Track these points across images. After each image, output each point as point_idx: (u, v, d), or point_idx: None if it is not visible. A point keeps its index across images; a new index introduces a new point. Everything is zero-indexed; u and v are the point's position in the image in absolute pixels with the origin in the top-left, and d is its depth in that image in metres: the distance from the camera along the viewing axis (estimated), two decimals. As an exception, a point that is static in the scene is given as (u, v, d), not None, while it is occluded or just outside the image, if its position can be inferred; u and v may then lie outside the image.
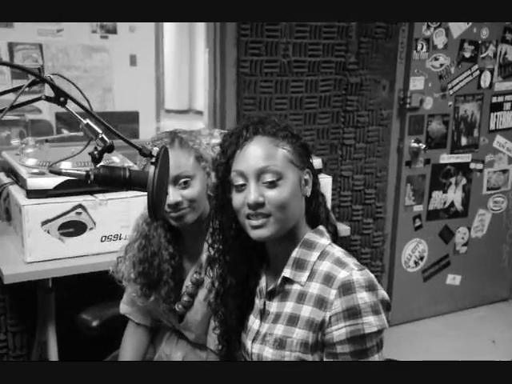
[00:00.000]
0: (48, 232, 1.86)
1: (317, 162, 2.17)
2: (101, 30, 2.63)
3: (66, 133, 2.46)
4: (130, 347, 1.64)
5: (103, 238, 1.95)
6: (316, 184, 1.27)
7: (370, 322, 1.11)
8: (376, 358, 1.13)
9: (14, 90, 1.19)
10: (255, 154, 1.18)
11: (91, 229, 1.92)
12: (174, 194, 1.41)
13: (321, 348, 1.16)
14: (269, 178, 1.17)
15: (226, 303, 1.32)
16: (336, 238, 1.30)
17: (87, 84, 2.72)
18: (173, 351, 1.63)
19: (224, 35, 2.61)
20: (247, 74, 2.63)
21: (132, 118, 2.83)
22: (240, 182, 1.19)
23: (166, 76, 3.51)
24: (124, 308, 1.66)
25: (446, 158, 3.25)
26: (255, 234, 1.18)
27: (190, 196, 1.42)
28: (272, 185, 1.17)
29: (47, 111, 2.67)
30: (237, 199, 1.20)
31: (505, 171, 3.45)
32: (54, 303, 2.03)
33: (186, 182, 1.43)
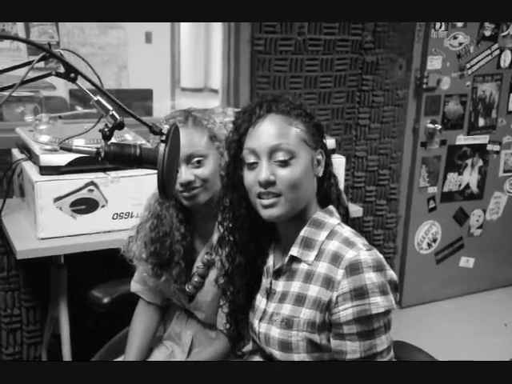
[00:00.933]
0: (60, 209, 1.86)
1: (330, 143, 2.15)
2: None
3: (79, 109, 2.46)
4: (141, 325, 1.63)
5: (115, 216, 1.95)
6: (329, 165, 1.25)
7: (378, 303, 1.10)
8: (383, 338, 1.12)
9: (25, 65, 1.18)
10: (268, 131, 1.16)
11: (103, 206, 1.92)
12: (186, 173, 1.39)
13: (328, 328, 1.15)
14: (281, 156, 1.15)
15: (234, 282, 1.32)
16: (347, 219, 1.28)
17: (102, 61, 2.69)
18: (183, 330, 1.63)
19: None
20: (261, 52, 2.60)
21: (146, 95, 2.81)
22: (252, 159, 1.17)
23: (182, 54, 3.46)
24: (135, 286, 1.66)
25: (462, 140, 3.20)
26: (266, 213, 1.17)
27: (202, 175, 1.41)
28: (284, 164, 1.15)
29: (62, 88, 2.67)
30: (248, 177, 1.18)
31: (522, 154, 3.40)
32: (66, 279, 2.04)
33: (199, 162, 1.41)
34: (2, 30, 2.37)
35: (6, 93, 1.09)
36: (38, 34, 2.47)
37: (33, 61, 1.12)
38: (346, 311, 1.11)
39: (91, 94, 1.15)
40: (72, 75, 1.14)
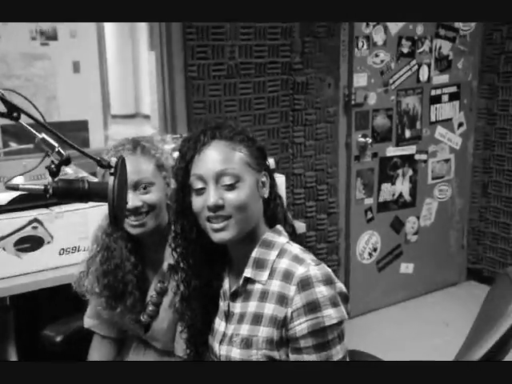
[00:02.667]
0: (3, 249, 1.82)
1: (270, 162, 2.21)
2: (40, 36, 2.57)
3: (14, 146, 2.40)
4: (97, 360, 1.62)
5: (61, 251, 1.93)
6: (273, 186, 1.30)
7: (330, 315, 1.14)
8: (338, 348, 1.16)
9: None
10: (213, 157, 1.20)
11: (48, 242, 1.90)
12: (133, 199, 1.41)
13: (286, 344, 1.18)
14: (227, 180, 1.19)
15: (192, 306, 1.34)
16: (294, 237, 1.32)
17: (30, 93, 2.64)
18: (141, 360, 1.62)
19: (170, 39, 2.62)
20: (195, 78, 2.65)
21: (81, 126, 2.78)
22: (199, 185, 1.21)
23: (110, 80, 3.45)
24: (88, 322, 1.64)
25: (392, 151, 3.36)
26: (216, 236, 1.20)
27: (150, 201, 1.43)
28: (231, 187, 1.19)
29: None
30: (197, 202, 1.21)
31: (447, 160, 3.60)
32: (13, 321, 1.99)
33: (145, 188, 1.43)
34: None
35: None
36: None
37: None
38: (300, 326, 1.14)
39: (36, 132, 1.15)
40: (15, 114, 1.14)
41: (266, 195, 1.26)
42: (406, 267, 3.56)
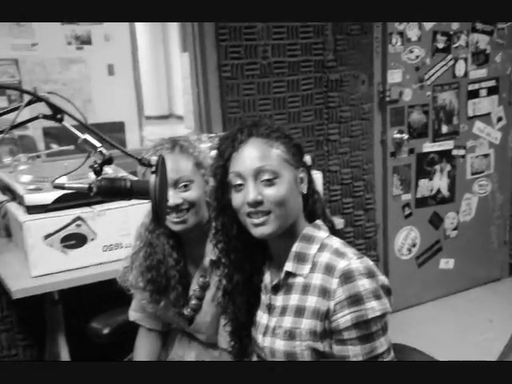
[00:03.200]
0: (51, 246, 1.88)
1: (307, 159, 2.23)
2: (76, 41, 2.64)
3: (55, 147, 2.48)
4: (144, 352, 1.67)
5: (105, 248, 1.98)
6: (311, 181, 1.33)
7: (373, 307, 1.15)
8: (382, 341, 1.17)
9: (12, 111, 1.23)
10: (251, 155, 1.24)
11: (92, 239, 1.95)
12: (174, 197, 1.45)
13: (329, 335, 1.20)
14: (266, 176, 1.22)
15: (235, 300, 1.37)
16: (334, 232, 1.34)
17: (66, 97, 2.70)
18: (186, 352, 1.66)
19: (203, 40, 2.67)
20: (229, 78, 2.69)
21: (118, 127, 2.85)
22: (238, 182, 1.24)
23: (143, 82, 3.50)
24: (134, 315, 1.69)
25: (428, 147, 3.34)
26: (257, 231, 1.23)
27: (190, 198, 1.47)
28: (269, 183, 1.22)
29: (34, 127, 2.67)
30: (236, 199, 1.25)
31: (486, 155, 3.55)
32: (62, 315, 2.06)
33: (185, 186, 1.47)
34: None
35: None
36: (-1, 74, 2.48)
37: (20, 106, 1.18)
38: (344, 318, 1.16)
39: (79, 133, 1.20)
40: (59, 116, 1.20)
41: (305, 191, 1.29)
42: (446, 263, 3.53)
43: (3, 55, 2.45)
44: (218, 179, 1.29)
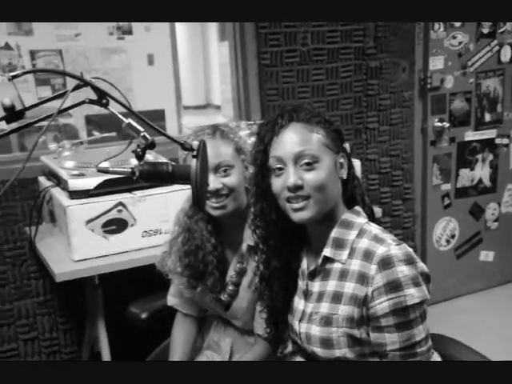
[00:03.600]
0: (92, 230, 1.92)
1: (347, 146, 2.21)
2: (117, 31, 2.66)
3: (97, 134, 2.52)
4: (180, 337, 1.67)
5: (144, 234, 2.00)
6: (351, 167, 1.31)
7: (412, 294, 1.14)
8: (420, 328, 1.16)
9: (58, 97, 1.25)
10: (291, 139, 1.23)
11: (132, 225, 1.98)
12: (214, 182, 1.45)
13: (366, 322, 1.19)
14: (306, 160, 1.21)
15: (272, 286, 1.36)
16: (373, 219, 1.33)
17: (108, 86, 2.75)
18: (221, 338, 1.67)
19: (243, 28, 2.66)
20: (269, 66, 2.68)
21: (159, 115, 2.88)
22: (278, 166, 1.24)
23: (182, 72, 3.52)
24: (171, 300, 1.70)
25: (470, 135, 3.26)
26: (297, 216, 1.23)
27: (229, 184, 1.47)
28: (309, 167, 1.21)
29: (76, 116, 2.73)
30: (276, 183, 1.25)
31: (531, 144, 3.45)
32: (101, 299, 2.09)
33: (225, 171, 1.47)
34: (9, 64, 2.44)
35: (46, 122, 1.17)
36: (44, 64, 2.52)
37: (67, 91, 1.19)
38: (382, 304, 1.15)
39: (123, 118, 1.21)
40: (104, 101, 1.21)
41: (345, 176, 1.28)
42: (486, 255, 3.46)
43: (48, 46, 2.50)
44: (258, 164, 1.29)
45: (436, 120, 3.14)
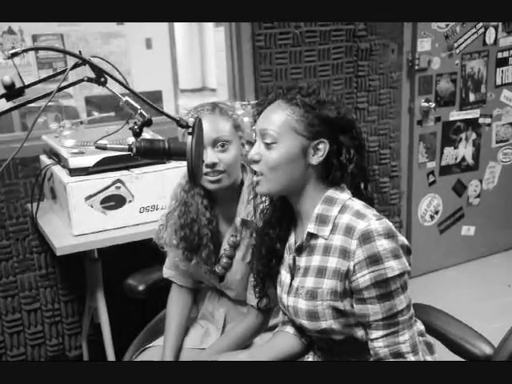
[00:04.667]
0: (91, 206, 1.90)
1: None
2: None
3: (96, 115, 2.49)
4: (176, 308, 1.66)
5: (141, 210, 1.98)
6: (351, 159, 1.22)
7: (392, 267, 1.13)
8: (402, 298, 1.15)
9: (58, 74, 1.21)
10: (264, 116, 1.23)
11: (130, 201, 1.96)
12: (211, 156, 1.43)
13: (349, 295, 1.19)
14: (267, 139, 1.20)
15: (260, 251, 1.36)
16: (372, 205, 1.28)
17: (107, 69, 2.71)
18: (215, 308, 1.67)
19: (238, 11, 2.60)
20: (262, 48, 2.63)
21: (156, 97, 2.84)
22: (254, 138, 1.25)
23: (179, 57, 3.48)
24: (167, 272, 1.69)
25: (455, 115, 3.23)
26: (255, 189, 1.26)
27: (226, 159, 1.45)
28: (268, 146, 1.20)
29: (76, 98, 2.70)
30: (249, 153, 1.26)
31: (512, 124, 3.43)
32: (101, 271, 2.08)
33: (223, 146, 1.45)
34: (12, 48, 2.40)
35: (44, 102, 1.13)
36: (46, 48, 2.51)
37: (66, 69, 1.16)
38: (363, 277, 1.14)
39: (120, 96, 1.18)
40: (102, 79, 1.17)
41: (315, 162, 1.21)
42: (468, 229, 3.46)
43: (50, 30, 2.49)
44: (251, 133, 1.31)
45: (423, 100, 3.10)
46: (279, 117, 1.20)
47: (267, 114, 1.22)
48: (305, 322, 1.24)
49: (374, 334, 1.17)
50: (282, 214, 1.33)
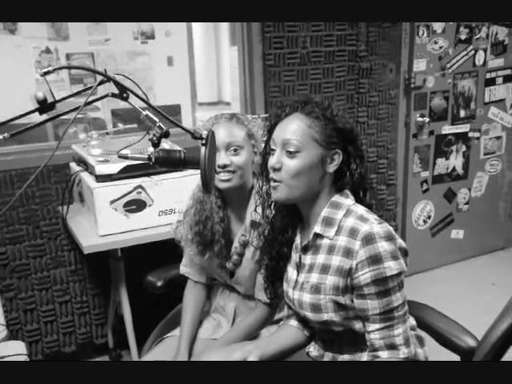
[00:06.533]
0: (115, 209, 1.89)
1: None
2: (141, 36, 2.63)
3: (121, 126, 2.48)
4: (191, 302, 1.65)
5: (160, 213, 1.97)
6: (357, 168, 1.22)
7: (390, 266, 1.12)
8: (398, 295, 1.15)
9: (85, 90, 1.20)
10: (285, 127, 1.20)
11: (150, 205, 1.95)
12: (224, 158, 1.43)
13: (350, 291, 1.18)
14: (289, 148, 1.18)
15: (270, 250, 1.34)
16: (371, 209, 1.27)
17: (132, 85, 2.72)
18: (226, 303, 1.65)
19: (250, 33, 2.58)
20: (272, 66, 2.60)
21: (176, 110, 2.83)
22: (272, 147, 1.22)
23: (197, 73, 3.51)
24: (183, 269, 1.68)
25: (447, 129, 3.18)
26: (272, 195, 1.22)
27: (237, 162, 1.44)
28: (291, 155, 1.18)
29: (104, 111, 2.70)
30: (268, 161, 1.22)
31: (499, 137, 3.37)
32: (123, 269, 2.07)
33: (235, 150, 1.44)
34: (48, 65, 2.41)
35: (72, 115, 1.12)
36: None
37: (92, 86, 1.14)
38: (364, 275, 1.13)
39: (141, 110, 1.17)
40: (125, 95, 1.16)
41: (331, 170, 1.20)
42: (457, 233, 3.40)
43: (82, 50, 2.48)
44: (264, 141, 1.27)
45: (418, 115, 3.05)
46: (301, 128, 1.18)
47: (287, 125, 1.20)
48: (308, 314, 1.24)
49: (371, 326, 1.16)
50: (288, 220, 1.31)
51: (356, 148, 1.23)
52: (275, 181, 1.19)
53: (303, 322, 1.34)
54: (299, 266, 1.28)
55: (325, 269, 1.20)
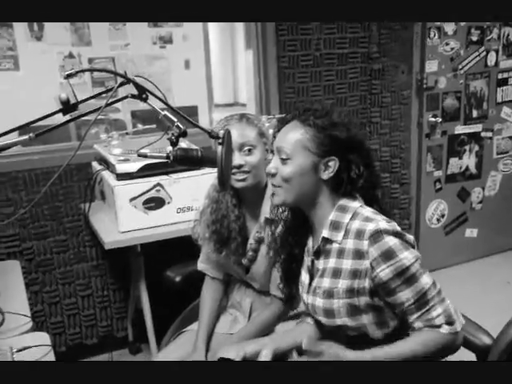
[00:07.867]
0: (135, 207, 1.90)
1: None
2: (159, 41, 2.65)
3: (140, 127, 2.51)
4: (209, 297, 1.66)
5: (178, 210, 1.98)
6: (361, 175, 1.19)
7: (407, 257, 1.10)
8: (425, 277, 1.11)
9: (105, 92, 1.21)
10: (282, 134, 1.21)
11: (168, 203, 1.96)
12: (238, 158, 1.44)
13: (367, 293, 1.14)
14: (282, 155, 1.19)
15: (285, 249, 1.34)
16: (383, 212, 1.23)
17: (151, 87, 2.74)
18: (242, 298, 1.65)
19: (265, 36, 2.59)
20: (286, 68, 2.61)
21: (192, 111, 2.86)
22: (274, 152, 1.24)
23: (213, 75, 3.54)
24: (201, 266, 1.69)
25: (460, 129, 3.15)
26: (272, 199, 1.25)
27: (251, 162, 1.45)
28: (284, 161, 1.19)
29: (124, 112, 2.73)
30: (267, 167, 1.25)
31: (511, 137, 3.32)
32: (143, 264, 2.08)
33: (249, 150, 1.45)
34: (71, 69, 2.44)
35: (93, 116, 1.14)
36: (100, 69, 2.55)
37: (113, 87, 1.16)
38: (383, 272, 1.10)
39: (159, 110, 1.18)
40: (144, 96, 1.17)
41: (326, 177, 1.18)
42: (471, 232, 3.36)
43: (103, 54, 2.51)
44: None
45: (430, 115, 3.03)
46: (294, 136, 1.18)
47: (284, 132, 1.21)
48: (322, 319, 1.22)
49: (411, 317, 1.14)
50: (300, 222, 1.30)
51: (360, 156, 1.19)
52: (274, 185, 1.21)
53: (319, 323, 1.31)
54: (312, 271, 1.26)
55: (336, 273, 1.17)
